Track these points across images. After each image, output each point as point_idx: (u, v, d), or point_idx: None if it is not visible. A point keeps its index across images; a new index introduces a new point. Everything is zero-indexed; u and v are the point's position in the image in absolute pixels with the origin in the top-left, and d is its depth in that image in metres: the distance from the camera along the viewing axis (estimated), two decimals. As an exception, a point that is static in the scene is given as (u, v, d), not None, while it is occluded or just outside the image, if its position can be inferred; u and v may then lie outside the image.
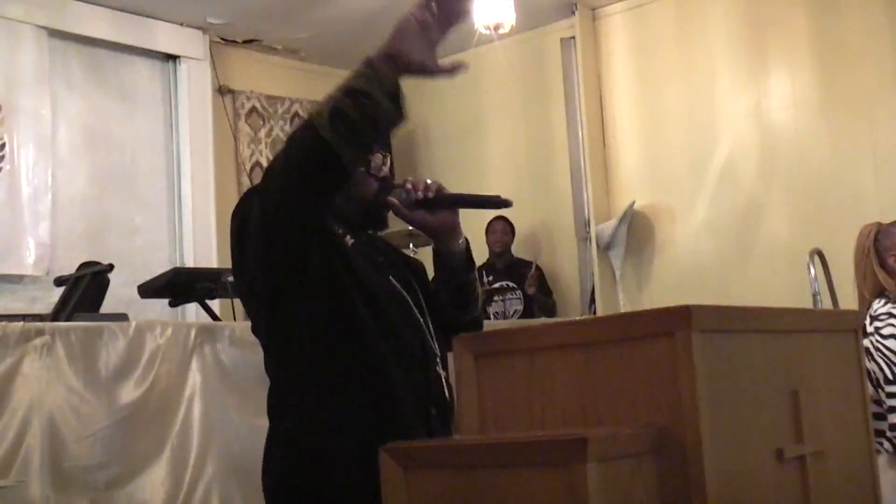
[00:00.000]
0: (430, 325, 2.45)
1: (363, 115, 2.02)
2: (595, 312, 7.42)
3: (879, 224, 3.87)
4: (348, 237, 2.39)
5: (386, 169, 2.44)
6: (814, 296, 3.97)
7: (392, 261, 2.54)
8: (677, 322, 1.78)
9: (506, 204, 2.44)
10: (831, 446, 2.12)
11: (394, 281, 2.44)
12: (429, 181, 2.42)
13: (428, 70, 2.08)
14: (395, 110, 2.05)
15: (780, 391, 2.03)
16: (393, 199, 2.38)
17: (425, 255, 2.59)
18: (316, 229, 2.24)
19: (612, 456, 1.66)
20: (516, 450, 1.69)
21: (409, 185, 2.40)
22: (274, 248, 2.22)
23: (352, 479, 2.20)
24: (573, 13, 7.78)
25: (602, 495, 1.62)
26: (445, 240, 2.47)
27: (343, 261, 2.32)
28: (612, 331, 1.88)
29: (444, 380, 2.40)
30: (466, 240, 2.52)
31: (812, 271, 4.01)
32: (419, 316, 2.44)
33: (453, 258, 2.48)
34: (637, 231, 7.54)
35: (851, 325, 2.39)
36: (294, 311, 2.29)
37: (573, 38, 7.86)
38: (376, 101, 2.02)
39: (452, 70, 2.11)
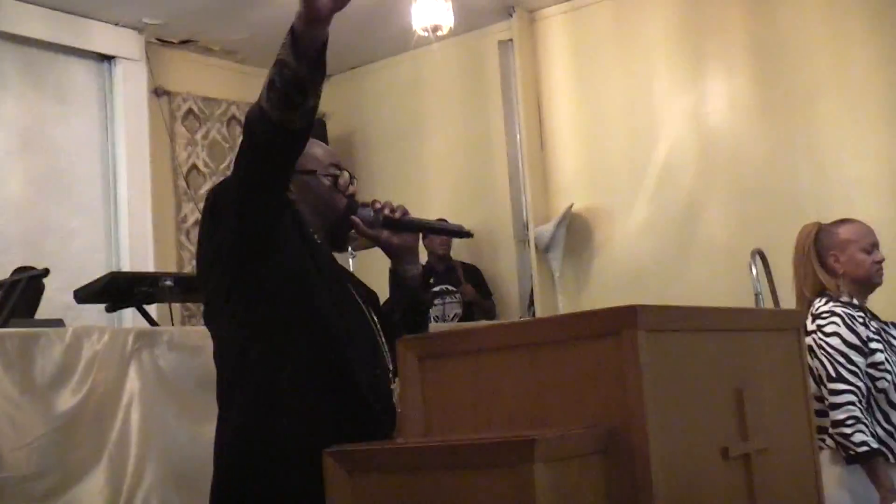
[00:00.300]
0: (384, 340, 2.49)
1: (283, 80, 2.10)
2: (534, 314, 7.43)
3: (819, 224, 3.91)
4: (317, 237, 2.45)
5: (353, 188, 2.53)
6: (756, 295, 4.00)
7: (349, 276, 2.61)
8: (623, 321, 1.78)
9: (467, 234, 2.62)
10: (775, 444, 2.14)
11: (352, 290, 2.50)
12: (394, 204, 2.54)
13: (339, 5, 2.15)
14: (308, 70, 2.11)
15: (724, 390, 2.04)
16: (355, 219, 2.48)
17: (362, 260, 2.68)
18: (279, 202, 2.30)
19: (560, 456, 1.65)
20: (463, 451, 1.68)
21: (377, 205, 2.51)
22: (247, 211, 2.26)
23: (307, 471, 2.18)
24: (511, 16, 7.79)
25: (550, 496, 1.61)
26: (404, 261, 2.59)
27: (312, 256, 2.38)
28: (557, 331, 1.87)
29: (395, 392, 2.41)
30: (421, 266, 2.64)
31: (754, 271, 4.04)
32: (374, 328, 2.49)
33: (410, 279, 2.59)
34: (576, 233, 7.56)
35: (794, 324, 2.41)
36: (258, 290, 2.31)
37: (511, 40, 7.87)
38: (291, 67, 2.09)
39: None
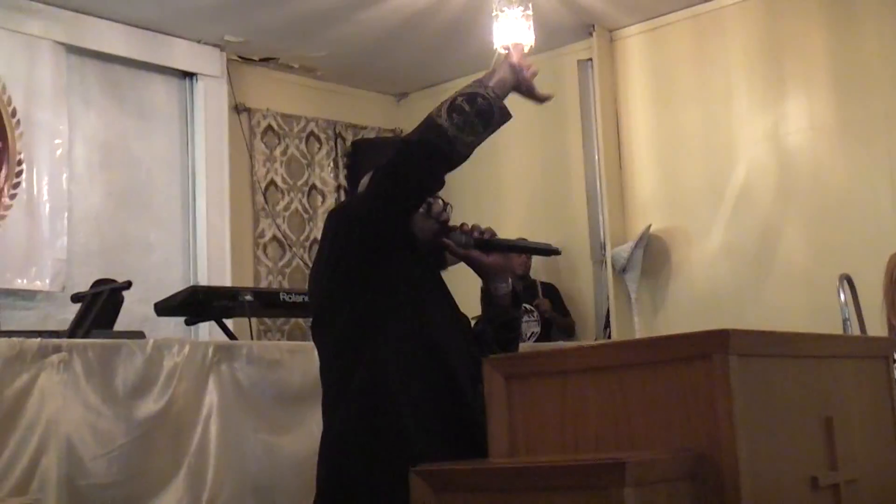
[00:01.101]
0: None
1: (476, 108, 2.40)
2: (610, 336, 7.38)
3: (906, 252, 3.85)
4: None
5: (447, 214, 2.68)
6: (844, 321, 3.93)
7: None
8: (714, 345, 1.76)
9: (555, 252, 2.75)
10: (864, 474, 2.10)
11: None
12: (483, 227, 2.69)
13: (530, 90, 2.56)
14: (504, 109, 2.45)
15: (814, 417, 2.00)
16: (447, 241, 2.63)
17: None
18: (406, 220, 2.49)
19: (650, 480, 1.63)
20: (552, 473, 1.67)
21: (466, 227, 2.67)
22: (376, 223, 2.43)
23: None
24: (591, 35, 7.77)
25: (639, 521, 1.59)
26: (495, 279, 2.70)
27: (424, 274, 2.56)
28: (646, 353, 1.86)
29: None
30: (512, 283, 2.74)
31: (842, 296, 3.97)
32: (473, 342, 2.62)
33: (501, 297, 2.71)
34: (653, 254, 7.50)
35: (883, 352, 2.37)
36: (371, 300, 2.44)
37: (590, 59, 7.84)
38: (488, 99, 2.42)
39: (546, 98, 2.60)
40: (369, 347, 2.41)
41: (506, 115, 2.45)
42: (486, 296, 2.73)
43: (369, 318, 2.43)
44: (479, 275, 2.72)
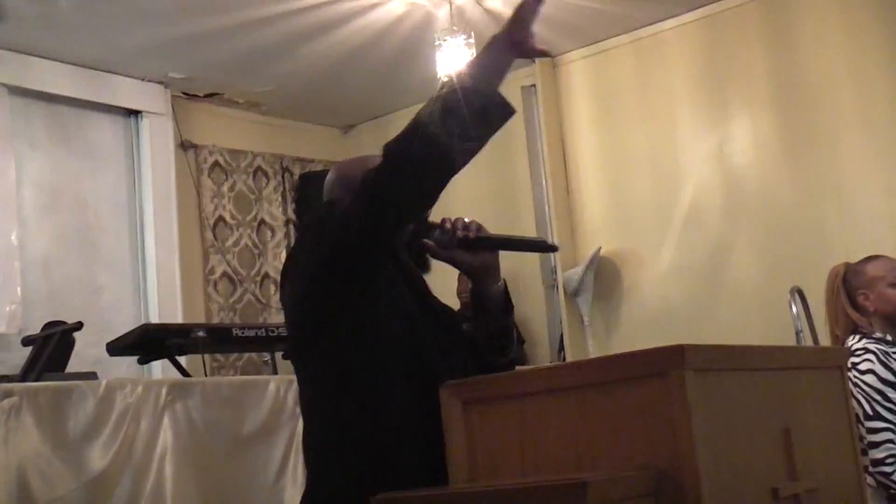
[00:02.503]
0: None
1: (471, 110, 2.04)
2: (564, 359, 7.39)
3: (847, 264, 3.91)
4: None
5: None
6: (797, 333, 3.98)
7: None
8: (670, 361, 1.76)
9: (552, 248, 2.48)
10: (824, 483, 2.11)
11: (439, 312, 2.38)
12: (467, 220, 2.39)
13: (533, 52, 2.22)
14: (504, 104, 2.11)
15: (772, 429, 2.02)
16: (428, 242, 2.35)
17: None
18: (394, 233, 2.19)
19: (612, 499, 1.63)
20: (514, 496, 1.66)
21: (447, 225, 2.38)
22: (361, 248, 2.13)
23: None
24: (533, 61, 7.80)
25: (603, 539, 1.59)
26: (485, 281, 2.42)
27: (409, 284, 2.28)
28: (603, 373, 1.86)
29: None
30: (504, 281, 2.46)
31: (794, 309, 4.02)
32: (463, 355, 2.36)
33: (492, 301, 2.42)
34: (604, 277, 7.53)
35: (837, 362, 2.39)
36: (355, 322, 2.18)
37: (534, 85, 7.89)
38: (485, 97, 2.07)
39: (544, 53, 2.25)
40: (357, 382, 2.16)
41: (507, 113, 2.14)
42: (477, 298, 2.43)
43: (353, 347, 2.17)
44: (468, 276, 2.43)
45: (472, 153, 2.10)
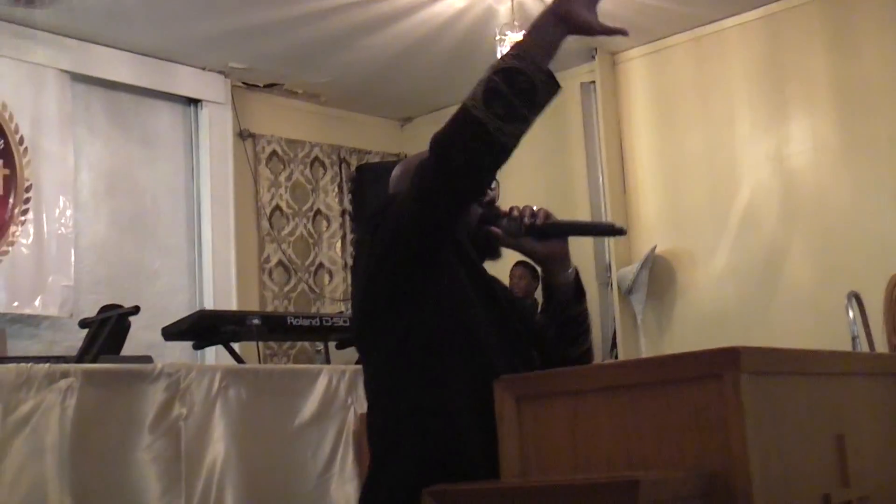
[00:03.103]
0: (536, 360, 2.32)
1: (517, 90, 1.98)
2: (616, 357, 7.37)
3: (905, 273, 3.88)
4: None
5: (493, 194, 2.34)
6: (853, 339, 3.93)
7: (505, 293, 2.42)
8: (725, 364, 1.75)
9: (620, 232, 2.39)
10: (876, 491, 2.09)
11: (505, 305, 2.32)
12: (535, 207, 2.34)
13: (594, 28, 2.06)
14: (549, 81, 2.01)
15: (825, 435, 2.00)
16: (495, 229, 2.31)
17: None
18: (457, 221, 2.14)
19: (663, 499, 1.63)
20: (565, 492, 1.67)
21: (514, 213, 2.33)
22: (425, 228, 2.09)
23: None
24: (593, 58, 7.80)
25: (653, 539, 1.59)
26: (555, 269, 2.38)
27: (472, 276, 2.23)
28: (657, 373, 1.85)
29: None
30: (576, 269, 2.42)
31: (850, 314, 3.97)
32: (530, 347, 2.31)
33: (562, 289, 2.38)
34: (658, 276, 7.50)
35: (893, 369, 2.36)
36: (416, 312, 2.15)
37: (593, 82, 7.87)
38: (528, 75, 1.98)
39: (616, 31, 2.08)
40: (415, 372, 2.14)
41: (552, 90, 2.02)
42: (547, 288, 2.39)
43: (412, 338, 2.14)
44: (537, 264, 2.39)
45: (521, 133, 2.02)
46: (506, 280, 7.06)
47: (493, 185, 2.29)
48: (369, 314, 2.23)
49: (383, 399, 2.22)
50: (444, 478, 1.98)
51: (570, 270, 2.39)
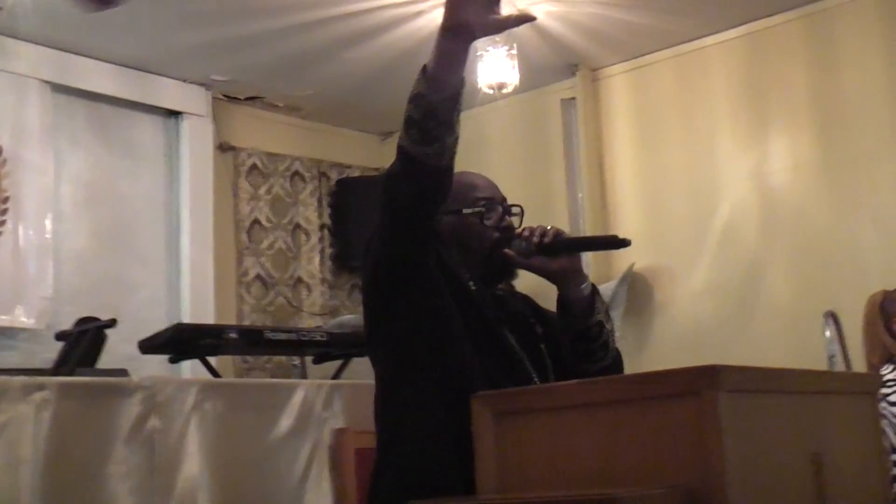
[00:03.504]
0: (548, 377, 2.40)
1: (421, 113, 2.09)
2: (595, 374, 7.36)
3: (885, 291, 3.89)
4: (471, 283, 2.38)
5: (508, 220, 2.50)
6: (830, 357, 3.95)
7: (515, 316, 2.50)
8: (704, 381, 1.76)
9: (624, 243, 2.45)
10: (853, 510, 2.09)
11: (508, 335, 2.40)
12: (548, 227, 2.46)
13: (495, 28, 2.11)
14: (445, 98, 2.09)
15: (802, 453, 2.00)
16: (508, 251, 2.42)
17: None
18: (423, 247, 2.26)
19: (641, 517, 1.63)
20: (542, 510, 1.66)
21: (525, 233, 2.44)
22: (390, 258, 2.26)
23: None
24: (574, 74, 7.81)
25: (631, 557, 1.58)
26: (568, 284, 2.45)
27: (459, 303, 2.31)
28: (636, 390, 1.86)
29: None
30: (593, 285, 2.49)
31: (827, 333, 3.99)
32: (532, 372, 2.38)
33: (577, 304, 2.44)
34: (637, 292, 7.51)
35: (870, 388, 2.37)
36: (400, 334, 2.30)
37: (574, 98, 7.88)
38: (426, 98, 2.08)
39: (520, 20, 2.12)
40: (398, 392, 2.29)
41: (452, 104, 2.11)
42: (562, 303, 2.47)
43: (398, 355, 2.31)
44: (550, 281, 2.47)
45: (444, 149, 2.13)
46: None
47: (513, 211, 2.51)
48: (367, 335, 2.39)
49: (379, 412, 2.36)
50: (421, 496, 2.02)
51: (584, 285, 2.46)
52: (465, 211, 2.46)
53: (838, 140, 6.71)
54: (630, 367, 7.32)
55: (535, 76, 7.53)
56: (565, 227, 7.72)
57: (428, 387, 2.22)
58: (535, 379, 2.36)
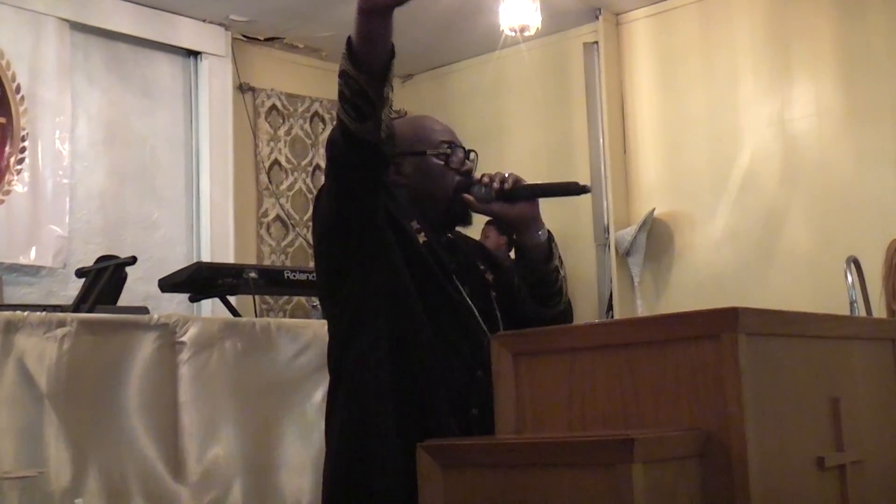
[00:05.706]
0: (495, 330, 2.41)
1: (351, 91, 2.13)
2: (612, 318, 7.37)
3: (905, 238, 3.86)
4: (422, 235, 2.40)
5: (470, 164, 2.48)
6: (851, 304, 3.92)
7: (467, 264, 2.51)
8: (723, 324, 1.75)
9: (584, 190, 2.45)
10: (871, 455, 2.09)
11: (458, 285, 2.41)
12: (506, 173, 2.44)
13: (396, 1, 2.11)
14: (369, 78, 2.12)
15: (821, 398, 2.00)
16: (468, 196, 2.42)
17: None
18: (369, 209, 2.29)
19: (658, 458, 1.63)
20: (560, 449, 1.67)
21: (486, 179, 2.43)
22: (338, 219, 2.31)
23: (392, 483, 2.17)
24: (597, 18, 7.75)
25: (647, 497, 1.59)
26: (526, 231, 2.46)
27: (409, 258, 2.34)
28: (655, 332, 1.85)
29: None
30: (549, 232, 2.50)
31: (849, 278, 3.96)
32: (482, 322, 2.40)
33: (534, 250, 2.46)
34: (657, 238, 7.49)
35: (890, 334, 2.36)
36: (350, 297, 2.33)
37: (596, 43, 7.82)
38: (352, 76, 2.12)
39: None
40: (351, 353, 2.33)
41: (380, 75, 2.14)
42: (519, 250, 2.48)
43: (347, 318, 2.34)
44: (509, 228, 2.49)
45: (379, 121, 2.17)
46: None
47: (470, 157, 2.49)
48: (319, 291, 2.50)
49: (332, 370, 2.42)
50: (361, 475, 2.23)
51: (541, 232, 2.47)
52: (430, 153, 2.45)
53: (862, 87, 6.65)
54: (648, 312, 7.37)
55: (557, 19, 7.47)
56: (586, 173, 7.75)
57: (379, 344, 2.27)
58: (486, 331, 2.37)
